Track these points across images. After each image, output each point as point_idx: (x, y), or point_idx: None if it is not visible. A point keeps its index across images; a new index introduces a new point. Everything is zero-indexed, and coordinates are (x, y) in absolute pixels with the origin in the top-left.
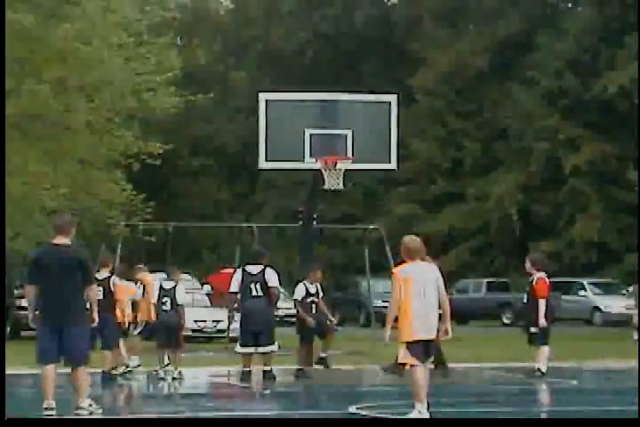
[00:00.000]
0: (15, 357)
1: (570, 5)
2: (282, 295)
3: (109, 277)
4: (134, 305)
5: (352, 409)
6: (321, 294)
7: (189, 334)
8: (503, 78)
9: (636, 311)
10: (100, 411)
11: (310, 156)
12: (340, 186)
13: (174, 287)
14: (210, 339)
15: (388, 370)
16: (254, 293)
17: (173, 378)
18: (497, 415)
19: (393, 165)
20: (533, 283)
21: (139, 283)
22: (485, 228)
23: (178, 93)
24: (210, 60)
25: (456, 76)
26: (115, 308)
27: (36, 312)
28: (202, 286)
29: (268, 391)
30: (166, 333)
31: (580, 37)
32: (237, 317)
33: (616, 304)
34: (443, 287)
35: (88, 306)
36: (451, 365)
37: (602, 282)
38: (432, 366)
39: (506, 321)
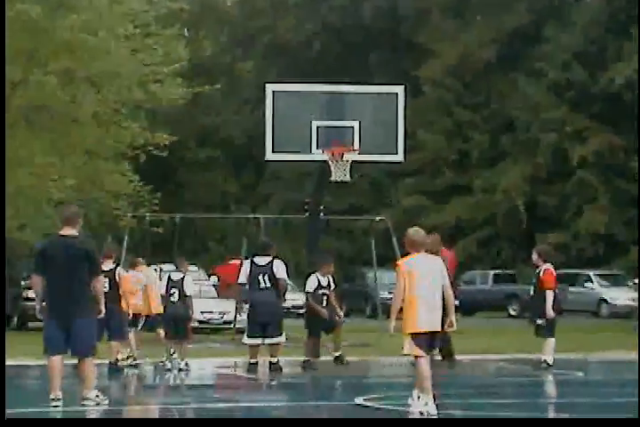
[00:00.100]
0: (22, 348)
1: None
2: (289, 287)
3: (115, 268)
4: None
5: (359, 400)
6: (332, 287)
7: (196, 325)
8: (510, 70)
9: (636, 304)
10: (107, 402)
11: (317, 147)
12: (347, 177)
13: (182, 279)
14: (216, 330)
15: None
16: (262, 284)
17: (180, 369)
18: (503, 407)
19: (400, 157)
20: (540, 274)
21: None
22: (492, 219)
23: (185, 85)
24: (217, 52)
25: (463, 67)
26: (120, 299)
27: (43, 303)
28: (208, 277)
29: (274, 383)
30: (174, 324)
31: (588, 29)
32: (245, 308)
33: (622, 296)
34: (447, 279)
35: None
36: (457, 356)
37: (608, 274)
38: (439, 358)
39: (512, 313)
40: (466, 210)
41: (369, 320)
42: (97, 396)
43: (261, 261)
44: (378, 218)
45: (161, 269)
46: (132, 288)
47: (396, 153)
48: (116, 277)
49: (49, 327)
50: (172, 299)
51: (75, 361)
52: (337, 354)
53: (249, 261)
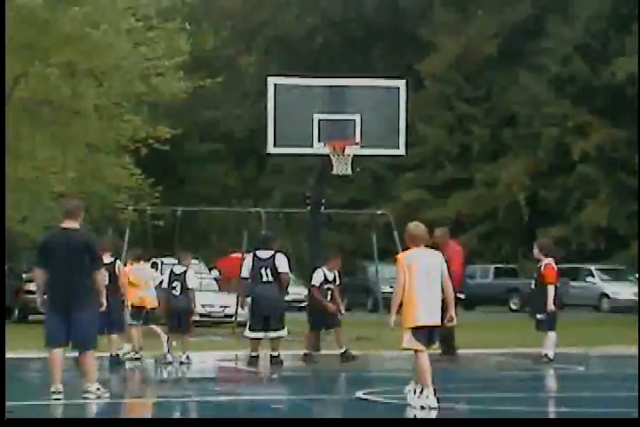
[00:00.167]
0: (23, 341)
1: None
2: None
3: (114, 261)
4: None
5: (359, 394)
6: (337, 282)
7: (197, 318)
8: (512, 64)
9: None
10: (108, 395)
11: (319, 141)
12: (349, 171)
13: (185, 272)
14: (217, 323)
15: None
16: (265, 278)
17: (181, 362)
18: (503, 401)
19: (401, 151)
20: (541, 269)
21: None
22: (493, 214)
23: (186, 78)
24: (218, 45)
25: (465, 61)
26: (120, 292)
27: (45, 296)
28: (209, 270)
29: (275, 376)
30: (177, 317)
31: (590, 23)
32: (248, 301)
33: (624, 291)
34: (447, 274)
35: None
36: (458, 351)
37: (610, 268)
38: (440, 351)
39: (513, 307)
40: (467, 204)
41: (370, 314)
42: (98, 389)
43: (264, 254)
44: (379, 212)
45: (162, 263)
46: (138, 281)
47: (398, 147)
48: (116, 271)
49: (50, 320)
50: (174, 292)
51: (76, 354)
52: (342, 350)
53: (251, 254)
